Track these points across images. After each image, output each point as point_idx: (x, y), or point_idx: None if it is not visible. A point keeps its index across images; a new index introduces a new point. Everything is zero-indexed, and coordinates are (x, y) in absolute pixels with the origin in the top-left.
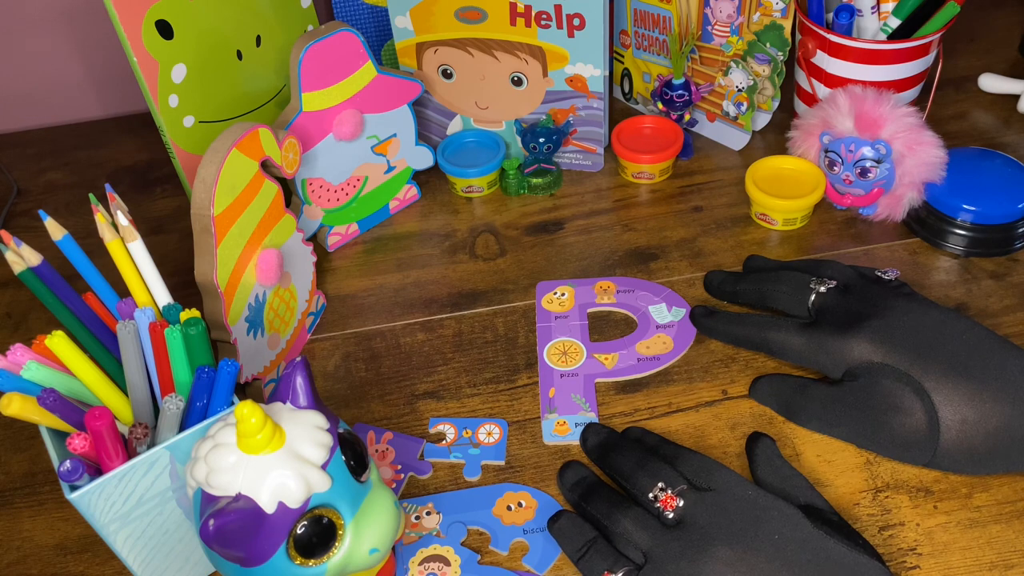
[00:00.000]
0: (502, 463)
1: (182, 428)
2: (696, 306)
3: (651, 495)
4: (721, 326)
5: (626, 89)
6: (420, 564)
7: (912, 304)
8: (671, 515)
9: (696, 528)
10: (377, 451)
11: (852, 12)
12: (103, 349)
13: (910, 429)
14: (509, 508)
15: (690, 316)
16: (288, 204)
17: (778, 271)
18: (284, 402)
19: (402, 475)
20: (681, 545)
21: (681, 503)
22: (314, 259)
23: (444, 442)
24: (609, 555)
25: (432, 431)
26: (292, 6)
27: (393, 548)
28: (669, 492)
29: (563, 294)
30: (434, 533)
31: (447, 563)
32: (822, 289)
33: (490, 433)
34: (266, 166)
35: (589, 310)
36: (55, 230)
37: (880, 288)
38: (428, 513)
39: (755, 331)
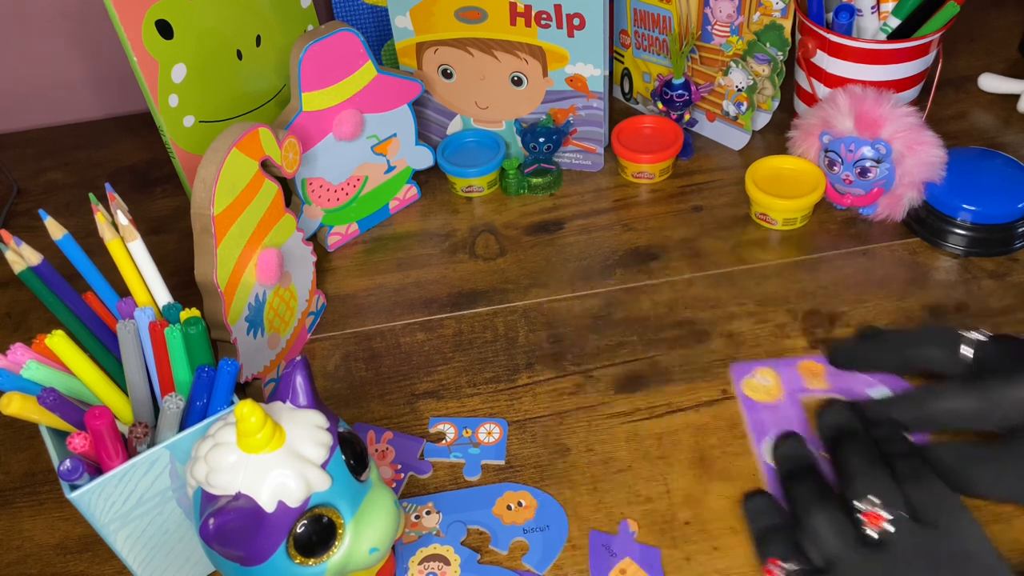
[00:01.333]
0: (502, 463)
1: (182, 427)
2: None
3: (861, 504)
4: (877, 417)
5: (626, 89)
6: (420, 563)
7: None
8: (874, 533)
9: (896, 559)
10: (377, 451)
11: (852, 12)
12: (103, 349)
13: None
14: (509, 508)
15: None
16: (288, 204)
17: (916, 333)
18: (284, 401)
19: (402, 475)
20: (871, 570)
21: (891, 528)
22: (314, 259)
23: (444, 442)
24: (787, 545)
25: (432, 431)
26: (292, 6)
27: (393, 547)
28: (881, 511)
29: (766, 378)
30: (434, 532)
31: (447, 562)
32: (980, 338)
33: (490, 433)
34: (266, 166)
35: (801, 397)
36: (55, 230)
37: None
38: (428, 512)
39: (915, 409)
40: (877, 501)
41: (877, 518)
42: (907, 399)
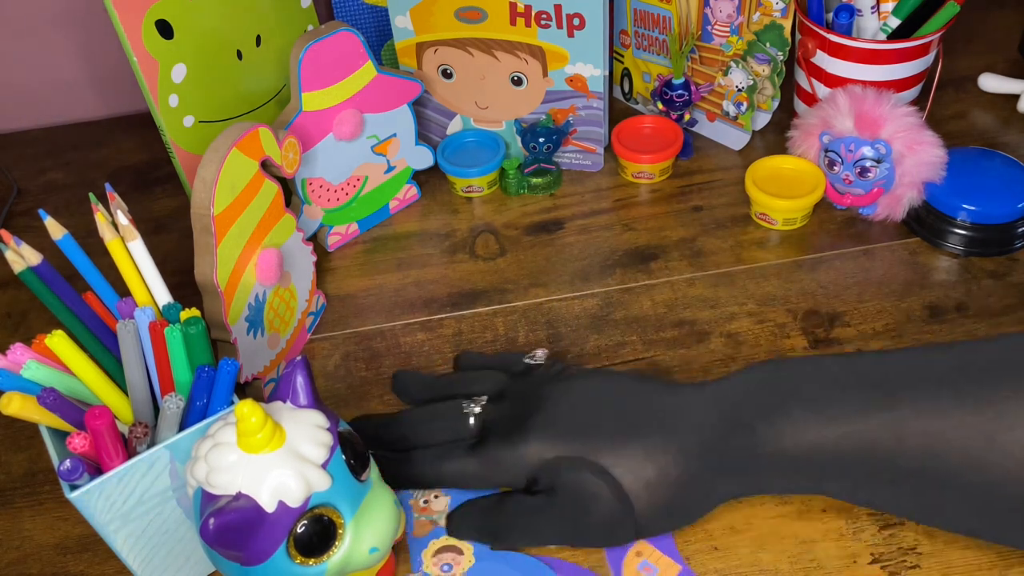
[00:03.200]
0: None
1: (182, 427)
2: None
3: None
4: (399, 472)
5: (626, 89)
6: (434, 556)
7: (565, 384)
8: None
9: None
10: None
11: (852, 12)
12: (103, 348)
13: (606, 512)
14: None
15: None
16: (288, 204)
17: (430, 406)
18: (284, 401)
19: None
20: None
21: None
22: (314, 259)
23: None
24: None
25: None
26: (292, 6)
27: (393, 547)
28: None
29: None
30: (444, 522)
31: (460, 552)
32: (477, 409)
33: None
34: (266, 166)
35: None
36: (55, 229)
37: (531, 379)
38: (436, 496)
39: (430, 468)
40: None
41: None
42: (418, 456)
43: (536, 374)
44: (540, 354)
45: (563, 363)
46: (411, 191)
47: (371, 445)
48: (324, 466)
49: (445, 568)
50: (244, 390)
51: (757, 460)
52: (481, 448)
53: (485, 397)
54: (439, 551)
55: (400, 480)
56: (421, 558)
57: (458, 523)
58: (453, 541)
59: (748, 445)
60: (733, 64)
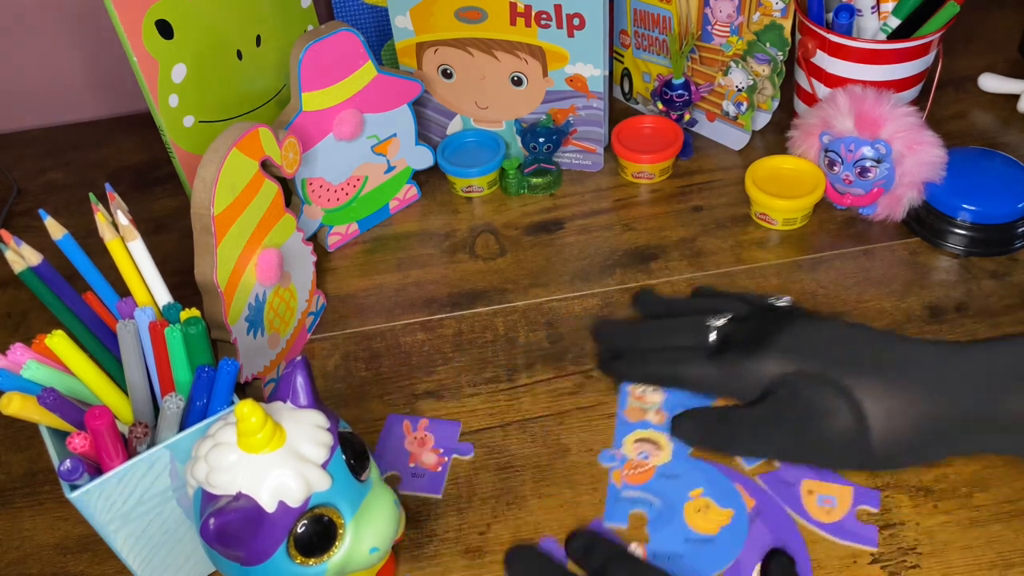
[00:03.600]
0: None
1: (182, 427)
2: (601, 351)
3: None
4: (631, 368)
5: (626, 89)
6: (635, 443)
7: (813, 319)
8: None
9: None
10: (416, 438)
11: (852, 12)
12: (103, 348)
13: (840, 429)
14: None
15: (598, 363)
16: (288, 204)
17: (672, 319)
18: (284, 401)
19: (445, 458)
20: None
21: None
22: (314, 259)
23: None
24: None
25: None
26: (292, 6)
27: (393, 547)
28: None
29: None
30: (654, 412)
31: (659, 448)
32: (719, 323)
33: None
34: (266, 166)
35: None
36: (55, 229)
37: (776, 312)
38: (654, 390)
39: (666, 367)
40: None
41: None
42: (660, 356)
43: (780, 311)
44: (786, 299)
45: (806, 309)
46: (411, 191)
47: (609, 343)
48: (324, 466)
49: (642, 456)
50: (244, 390)
51: (998, 423)
52: (721, 356)
53: (729, 314)
54: (639, 440)
55: (631, 374)
56: (623, 441)
57: (685, 426)
58: (656, 436)
59: (992, 410)
60: (733, 64)
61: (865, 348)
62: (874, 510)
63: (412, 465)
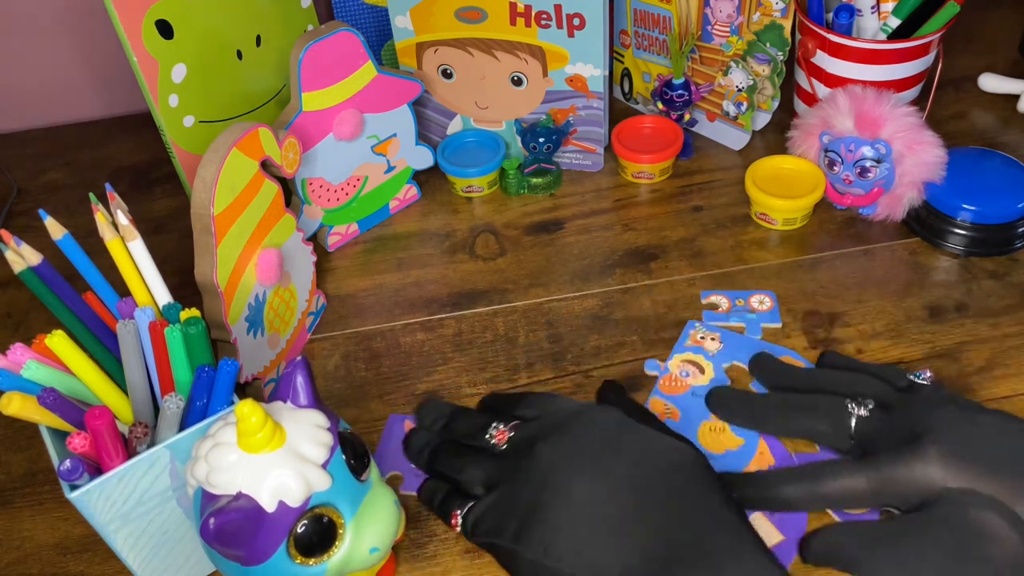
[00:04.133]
0: (779, 325)
1: (182, 427)
2: (730, 480)
3: (487, 436)
4: (765, 493)
5: (626, 89)
6: (681, 362)
7: (963, 413)
8: (504, 447)
9: (523, 443)
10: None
11: (852, 12)
12: (103, 348)
13: (1008, 557)
14: None
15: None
16: (288, 204)
17: (806, 396)
18: (284, 401)
19: None
20: (511, 463)
21: (512, 433)
22: (314, 259)
23: (720, 310)
24: (456, 498)
25: (704, 302)
26: (292, 6)
27: (393, 547)
28: (501, 427)
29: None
30: (712, 339)
31: (701, 371)
32: (863, 413)
33: (761, 302)
34: (266, 166)
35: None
36: (55, 229)
37: (919, 397)
38: (712, 339)
39: (803, 486)
40: (495, 424)
41: (502, 434)
42: (796, 473)
43: (924, 393)
44: (927, 374)
45: (949, 391)
46: (411, 191)
47: (725, 415)
48: (324, 466)
49: (683, 373)
50: (244, 390)
51: None
52: (870, 462)
53: (871, 401)
54: (685, 361)
55: (772, 502)
56: (671, 357)
57: (819, 550)
58: (701, 361)
59: None
60: (733, 64)
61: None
62: None
63: (413, 465)
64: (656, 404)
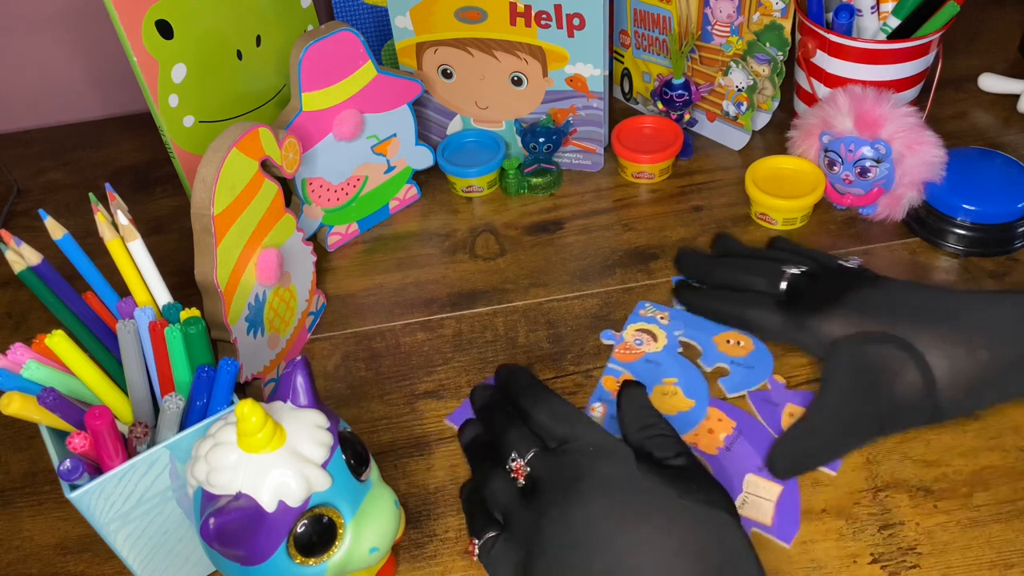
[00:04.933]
0: None
1: (182, 427)
2: (679, 280)
3: (507, 466)
4: (703, 301)
5: (626, 89)
6: (636, 330)
7: (879, 280)
8: (522, 482)
9: (539, 492)
10: None
11: (852, 12)
12: (103, 348)
13: (908, 387)
14: (728, 342)
15: (673, 289)
16: (288, 204)
17: (749, 260)
18: (284, 401)
19: None
20: (530, 515)
21: (529, 470)
22: (314, 259)
23: None
24: (479, 520)
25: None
26: (292, 6)
27: (393, 547)
28: (520, 462)
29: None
30: (661, 317)
31: (654, 339)
32: (794, 271)
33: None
34: (266, 166)
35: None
36: (55, 229)
37: (846, 272)
38: (663, 319)
39: (736, 307)
40: (514, 456)
41: (520, 468)
42: (732, 296)
43: (849, 272)
44: (855, 260)
45: (875, 272)
46: (411, 191)
47: (686, 272)
48: (324, 466)
49: (637, 342)
50: (244, 390)
51: None
52: (789, 308)
53: (803, 267)
54: (640, 330)
55: (700, 308)
56: (626, 326)
57: (779, 452)
58: (656, 331)
59: None
60: (733, 64)
61: (925, 303)
62: None
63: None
64: (609, 382)
